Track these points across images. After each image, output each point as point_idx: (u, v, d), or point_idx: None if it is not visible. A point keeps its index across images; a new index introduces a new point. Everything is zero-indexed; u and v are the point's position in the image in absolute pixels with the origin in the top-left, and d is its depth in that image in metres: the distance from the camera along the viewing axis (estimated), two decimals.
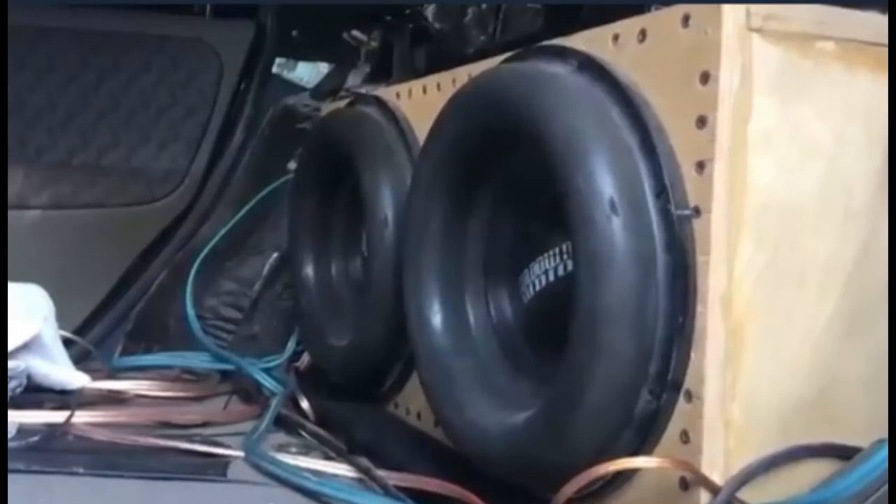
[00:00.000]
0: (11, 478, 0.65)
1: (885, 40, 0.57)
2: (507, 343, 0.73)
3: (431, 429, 0.85)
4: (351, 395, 0.97)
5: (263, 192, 1.26)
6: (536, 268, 0.70)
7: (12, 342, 0.85)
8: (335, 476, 0.73)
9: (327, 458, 0.80)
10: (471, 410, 0.69)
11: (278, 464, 0.72)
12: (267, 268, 1.27)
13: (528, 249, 0.71)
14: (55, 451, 0.73)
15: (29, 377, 0.87)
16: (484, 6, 1.11)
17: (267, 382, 1.02)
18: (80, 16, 1.28)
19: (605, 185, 0.55)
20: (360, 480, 0.73)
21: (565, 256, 0.67)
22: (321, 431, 0.88)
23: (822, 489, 0.51)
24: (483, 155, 0.71)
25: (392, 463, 0.77)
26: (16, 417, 0.78)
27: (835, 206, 0.57)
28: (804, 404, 0.58)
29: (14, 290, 0.93)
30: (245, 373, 1.06)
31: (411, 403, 0.90)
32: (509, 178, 0.72)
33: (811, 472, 0.56)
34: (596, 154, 0.56)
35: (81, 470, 0.68)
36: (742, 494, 0.54)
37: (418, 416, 0.89)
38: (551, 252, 0.69)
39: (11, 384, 0.82)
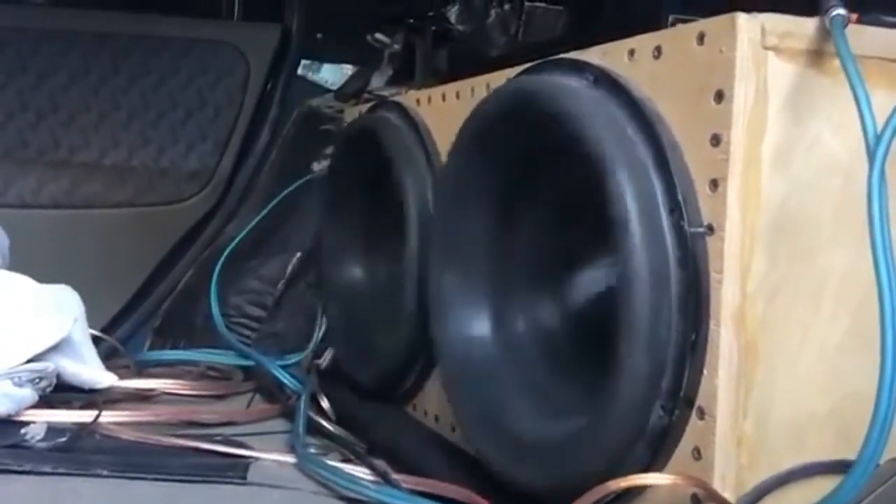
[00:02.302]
0: (39, 479, 0.68)
1: None
2: (552, 352, 0.73)
3: (449, 432, 0.86)
4: (370, 396, 0.98)
5: (285, 192, 1.28)
6: (586, 277, 0.70)
7: (43, 343, 0.87)
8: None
9: (346, 459, 0.82)
10: (508, 419, 0.69)
11: (336, 471, 0.73)
12: (290, 267, 1.29)
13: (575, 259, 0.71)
14: (82, 451, 0.76)
15: (59, 376, 0.89)
16: (506, 7, 1.11)
17: (287, 381, 1.03)
18: (110, 20, 1.31)
19: (623, 202, 0.56)
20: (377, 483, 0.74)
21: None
22: (342, 432, 0.89)
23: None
24: (518, 164, 0.72)
25: (410, 466, 0.78)
26: (45, 417, 0.81)
27: (851, 222, 0.56)
28: (817, 421, 0.58)
29: (46, 291, 0.96)
30: (266, 370, 1.07)
31: (429, 406, 0.91)
32: (552, 187, 0.72)
33: (824, 490, 0.56)
34: (618, 171, 0.56)
35: (105, 472, 0.70)
36: None
37: (436, 419, 0.90)
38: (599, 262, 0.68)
39: (42, 384, 0.85)
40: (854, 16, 0.54)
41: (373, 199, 1.05)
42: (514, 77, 0.72)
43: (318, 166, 1.33)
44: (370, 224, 1.08)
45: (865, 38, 0.55)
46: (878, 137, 0.48)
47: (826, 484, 0.55)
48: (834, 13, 0.52)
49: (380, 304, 1.03)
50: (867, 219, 0.48)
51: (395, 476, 0.73)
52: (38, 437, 0.77)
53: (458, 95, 0.85)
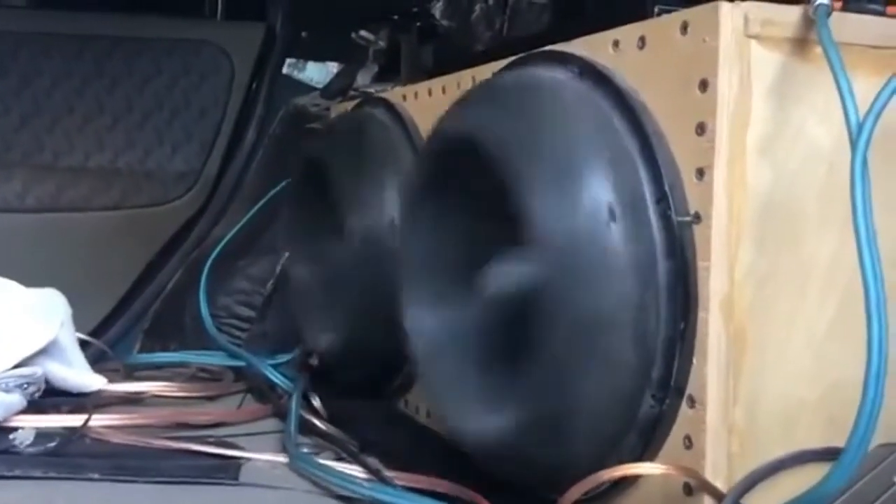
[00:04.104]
0: (30, 484, 0.67)
1: (885, 43, 0.56)
2: (489, 344, 0.73)
3: (441, 427, 0.86)
4: (361, 393, 0.98)
5: (273, 192, 1.27)
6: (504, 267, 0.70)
7: (30, 347, 0.87)
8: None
9: (338, 458, 0.81)
10: (460, 412, 0.69)
11: (328, 470, 0.73)
12: (279, 266, 1.29)
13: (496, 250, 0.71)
14: (72, 455, 0.75)
15: (47, 381, 0.88)
16: (491, 1, 1.11)
17: (278, 380, 1.03)
18: (92, 21, 1.30)
19: (604, 191, 0.56)
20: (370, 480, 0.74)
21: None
22: (334, 431, 0.89)
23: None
24: (468, 160, 0.71)
25: (402, 462, 0.78)
26: (34, 422, 0.81)
27: (837, 210, 0.57)
28: (807, 408, 0.58)
29: (32, 295, 0.95)
30: (257, 370, 1.07)
31: (420, 402, 0.91)
32: (485, 182, 0.71)
33: (815, 477, 0.56)
34: (595, 160, 0.56)
35: (96, 475, 0.69)
36: (746, 500, 0.54)
37: (427, 414, 0.90)
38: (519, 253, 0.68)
39: (30, 389, 0.84)
40: (838, 3, 0.54)
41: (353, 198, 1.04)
42: (499, 72, 0.72)
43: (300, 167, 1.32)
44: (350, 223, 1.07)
45: (848, 25, 0.56)
46: (861, 125, 0.49)
47: (817, 471, 0.55)
48: (818, 1, 0.53)
49: (367, 300, 1.03)
50: (851, 206, 0.48)
51: (387, 473, 0.73)
52: (28, 443, 0.77)
53: (444, 90, 0.85)
